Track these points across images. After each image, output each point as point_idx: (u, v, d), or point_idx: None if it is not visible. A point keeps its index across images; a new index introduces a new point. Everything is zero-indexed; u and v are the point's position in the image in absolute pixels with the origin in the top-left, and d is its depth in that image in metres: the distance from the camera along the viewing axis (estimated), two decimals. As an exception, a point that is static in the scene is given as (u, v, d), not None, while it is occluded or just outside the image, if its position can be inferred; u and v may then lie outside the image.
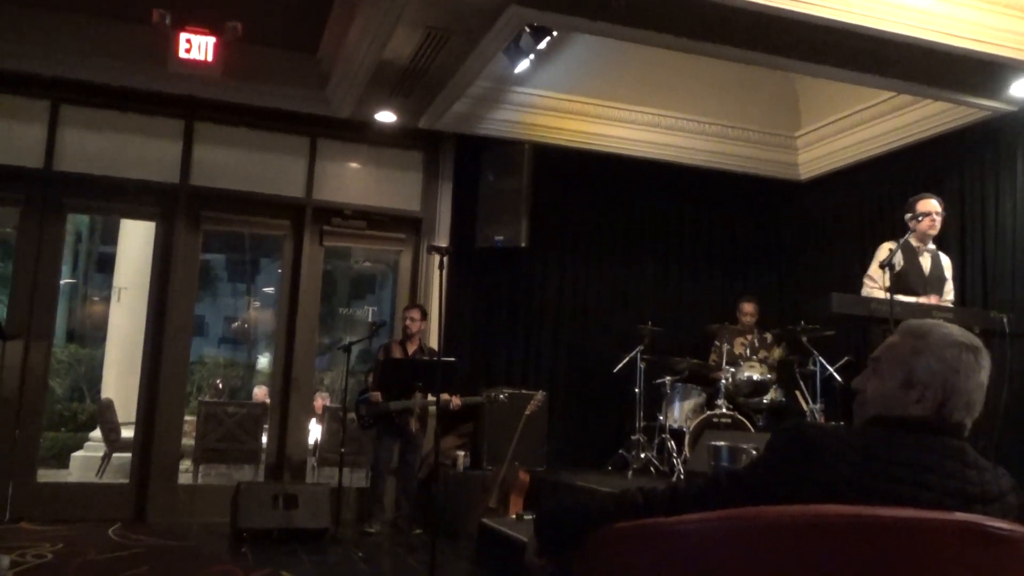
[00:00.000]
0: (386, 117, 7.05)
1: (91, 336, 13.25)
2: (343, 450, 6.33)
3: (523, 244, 7.28)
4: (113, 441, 8.26)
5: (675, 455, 6.56)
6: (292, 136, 7.27)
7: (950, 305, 5.33)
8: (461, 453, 6.79)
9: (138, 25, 6.16)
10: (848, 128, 7.44)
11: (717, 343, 7.14)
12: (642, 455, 6.76)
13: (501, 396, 6.71)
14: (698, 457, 5.82)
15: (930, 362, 1.70)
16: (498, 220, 7.31)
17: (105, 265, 12.82)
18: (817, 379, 6.38)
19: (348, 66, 6.37)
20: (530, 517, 5.38)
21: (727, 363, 6.72)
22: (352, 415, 6.60)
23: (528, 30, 5.80)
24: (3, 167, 6.56)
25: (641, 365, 6.99)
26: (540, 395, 6.65)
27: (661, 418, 6.88)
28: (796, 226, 8.21)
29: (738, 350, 7.04)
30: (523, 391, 6.87)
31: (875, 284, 5.20)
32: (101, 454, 8.41)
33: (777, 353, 7.09)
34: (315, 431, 8.00)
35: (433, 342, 7.14)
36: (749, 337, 7.12)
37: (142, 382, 6.92)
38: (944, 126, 6.56)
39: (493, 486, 6.25)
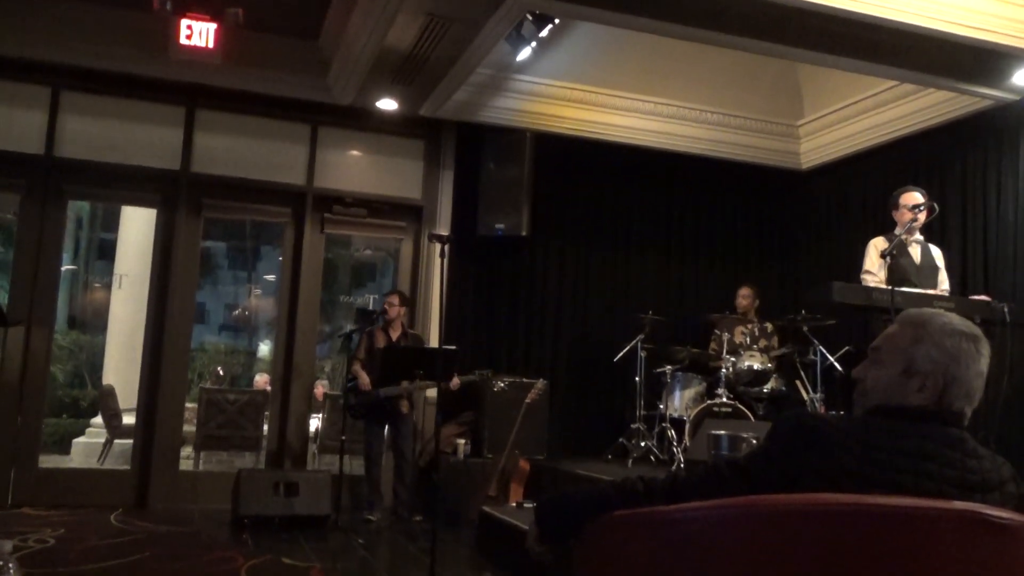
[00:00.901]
0: (387, 105, 7.04)
1: (92, 323, 13.25)
2: (344, 437, 6.34)
3: (524, 233, 7.28)
4: (114, 427, 8.28)
5: (675, 444, 6.57)
6: (293, 123, 7.26)
7: (947, 294, 5.32)
8: (462, 441, 6.80)
9: (139, 11, 6.14)
10: (850, 117, 7.42)
11: (717, 332, 7.13)
12: (642, 444, 6.77)
13: (501, 384, 6.71)
14: (698, 446, 5.81)
15: (930, 351, 1.70)
16: (499, 209, 7.31)
17: (106, 252, 12.81)
18: (818, 368, 6.38)
19: (349, 53, 6.35)
20: (530, 505, 5.41)
21: (727, 352, 6.72)
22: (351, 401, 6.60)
23: (530, 17, 5.80)
24: (4, 153, 6.56)
25: (642, 354, 6.99)
26: (541, 383, 6.66)
27: (661, 407, 6.89)
28: (798, 215, 8.20)
29: (738, 339, 7.04)
30: (524, 380, 6.90)
31: (875, 277, 5.19)
32: (102, 440, 8.45)
33: (776, 343, 7.09)
34: (316, 418, 8.02)
35: (434, 330, 7.17)
36: (749, 326, 7.11)
37: (143, 369, 6.93)
38: (946, 115, 6.54)
39: (493, 474, 6.27)
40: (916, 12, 5.01)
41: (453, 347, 6.34)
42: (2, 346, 6.44)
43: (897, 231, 5.24)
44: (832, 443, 1.60)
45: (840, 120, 7.56)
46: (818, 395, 6.36)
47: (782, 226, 8.30)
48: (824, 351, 6.33)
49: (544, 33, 6.01)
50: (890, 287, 4.67)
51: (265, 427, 7.52)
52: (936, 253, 5.46)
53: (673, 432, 6.65)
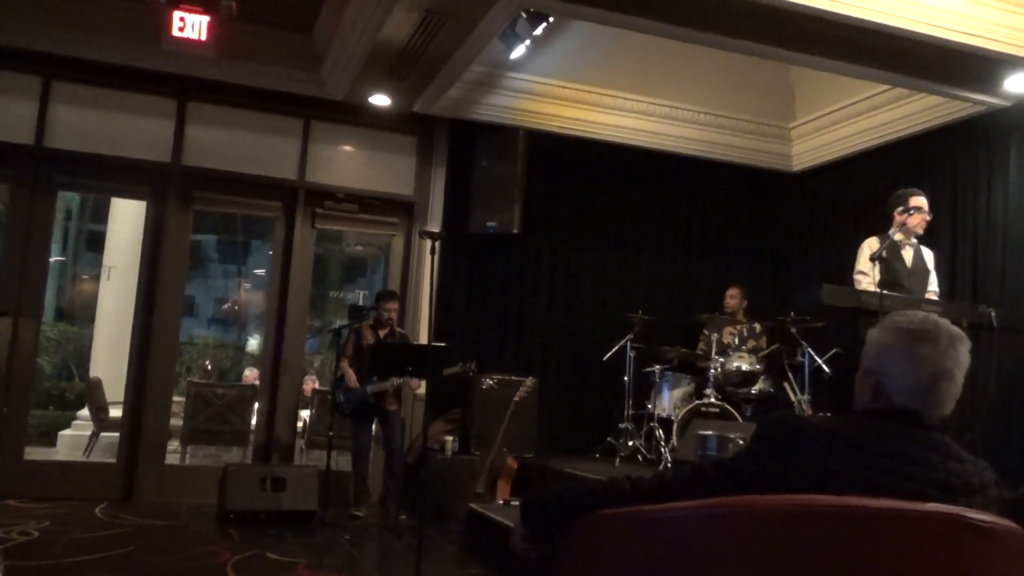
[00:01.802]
0: (380, 100, 7.02)
1: (80, 315, 13.21)
2: (331, 433, 6.33)
3: (516, 231, 7.27)
4: (101, 420, 8.23)
5: (663, 443, 6.58)
6: (285, 117, 7.23)
7: (936, 298, 5.33)
8: (450, 438, 6.80)
9: (132, 2, 6.13)
10: (842, 120, 7.44)
11: (706, 332, 7.15)
12: (630, 443, 6.78)
13: (490, 381, 6.70)
14: (686, 446, 5.82)
15: (870, 349, 1.75)
16: (491, 206, 7.30)
17: (95, 244, 12.78)
18: (806, 370, 6.39)
19: (343, 47, 6.33)
20: (517, 503, 5.41)
21: (716, 353, 6.73)
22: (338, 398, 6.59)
23: (525, 15, 5.79)
24: (-6, 143, 6.51)
25: (631, 353, 7.00)
26: (530, 381, 6.66)
27: (650, 406, 6.90)
28: (788, 217, 8.22)
29: (727, 340, 7.06)
30: (513, 377, 6.89)
31: (868, 279, 5.18)
32: (89, 433, 8.40)
33: (765, 344, 7.10)
34: (304, 413, 8.01)
35: (424, 327, 7.16)
36: (738, 327, 7.13)
37: (131, 362, 6.90)
38: (938, 120, 6.56)
39: (481, 472, 6.27)
40: (909, 17, 5.02)
41: (443, 344, 6.32)
42: (-11, 337, 6.41)
43: (892, 232, 5.23)
44: (816, 444, 1.61)
45: (832, 123, 7.57)
46: (806, 397, 6.37)
47: (773, 228, 8.30)
48: (812, 353, 6.34)
49: (538, 31, 6.01)
50: (879, 290, 4.68)
51: (253, 422, 7.50)
52: (928, 256, 5.47)
53: (661, 432, 6.67)
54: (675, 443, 6.35)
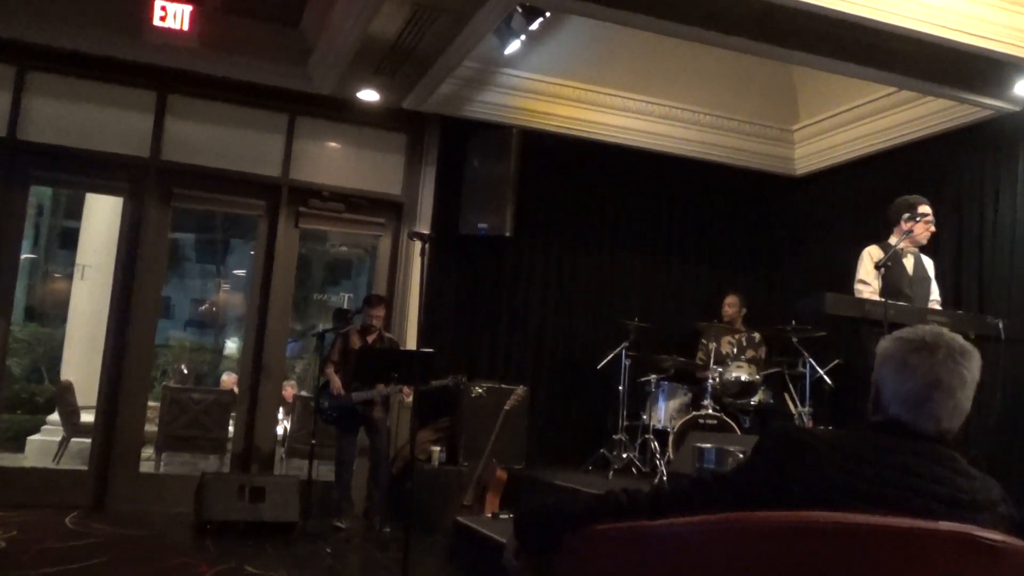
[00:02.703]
0: (369, 96, 6.90)
1: (51, 315, 13.09)
2: (313, 441, 6.22)
3: (508, 233, 7.12)
4: (72, 425, 8.08)
5: (658, 456, 6.44)
6: (270, 112, 7.12)
7: (939, 308, 5.22)
8: (437, 448, 6.71)
9: (112, -11, 5.96)
10: (846, 123, 7.34)
11: (704, 341, 7.03)
12: (624, 455, 6.64)
13: (479, 390, 6.54)
14: (682, 458, 5.72)
15: (875, 360, 1.76)
16: (483, 207, 7.16)
17: (68, 241, 12.62)
18: (807, 381, 6.29)
19: (331, 40, 6.23)
20: (506, 516, 5.34)
21: (714, 362, 6.60)
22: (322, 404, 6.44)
23: (520, 10, 5.74)
24: (-36, 135, 6.36)
25: (626, 362, 6.88)
26: (521, 390, 6.52)
27: (645, 417, 6.78)
28: (789, 223, 8.10)
29: (725, 349, 6.92)
30: (503, 385, 6.78)
31: (870, 287, 5.08)
32: (59, 438, 8.21)
33: (764, 353, 6.97)
34: (284, 421, 7.84)
35: (411, 332, 7.05)
36: (737, 336, 7.01)
37: (104, 364, 6.78)
38: (944, 124, 6.46)
39: (469, 483, 6.17)
40: (918, 18, 4.95)
41: (430, 350, 6.15)
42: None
43: (893, 240, 5.11)
44: (819, 456, 1.60)
45: (836, 127, 7.46)
46: (806, 409, 6.29)
47: (773, 233, 8.19)
48: (814, 363, 6.24)
49: (534, 27, 5.95)
50: (884, 300, 4.58)
51: (231, 428, 7.36)
52: (928, 264, 5.43)
53: (656, 443, 6.54)
54: (671, 455, 6.22)
